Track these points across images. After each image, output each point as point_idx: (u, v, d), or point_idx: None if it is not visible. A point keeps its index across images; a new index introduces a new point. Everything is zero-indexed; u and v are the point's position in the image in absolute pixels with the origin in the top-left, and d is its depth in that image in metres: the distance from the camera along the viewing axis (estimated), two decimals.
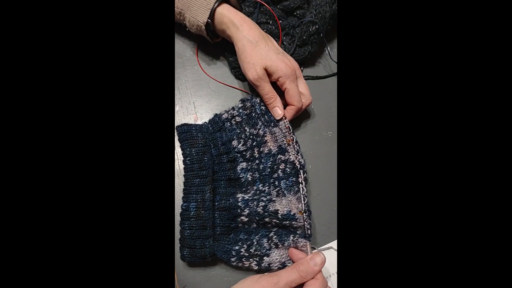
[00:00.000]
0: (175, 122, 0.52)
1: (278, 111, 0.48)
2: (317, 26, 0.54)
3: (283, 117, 0.48)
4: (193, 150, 0.46)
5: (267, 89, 0.48)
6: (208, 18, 0.48)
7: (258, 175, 0.48)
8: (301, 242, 0.43)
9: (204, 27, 0.49)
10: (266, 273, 0.41)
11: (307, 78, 0.57)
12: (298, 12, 0.54)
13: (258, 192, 0.47)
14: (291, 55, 0.54)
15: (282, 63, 0.47)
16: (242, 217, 0.45)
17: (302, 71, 0.57)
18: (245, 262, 0.43)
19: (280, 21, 0.55)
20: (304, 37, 0.54)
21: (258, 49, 0.47)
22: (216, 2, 0.48)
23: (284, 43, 0.55)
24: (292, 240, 0.43)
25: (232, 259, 0.43)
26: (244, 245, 0.43)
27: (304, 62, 0.57)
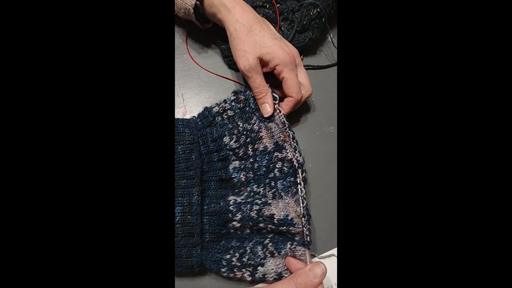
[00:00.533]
0: None
1: (267, 108, 0.43)
2: (318, 10, 0.48)
3: (278, 112, 0.44)
4: (179, 148, 0.41)
5: (258, 82, 0.43)
6: (197, 0, 0.43)
7: (252, 175, 0.43)
8: (300, 250, 0.38)
9: (192, 10, 0.44)
10: (260, 285, 0.38)
11: (307, 67, 0.52)
12: None
13: (252, 194, 0.42)
14: (290, 42, 0.49)
15: (280, 49, 0.42)
16: (234, 223, 0.40)
17: (302, 59, 0.52)
18: (237, 273, 0.39)
19: (278, 5, 0.50)
20: (304, 22, 0.49)
21: (252, 35, 0.42)
22: None
23: (282, 28, 0.50)
24: (290, 248, 0.38)
25: (223, 270, 0.39)
26: (236, 254, 0.39)
27: (304, 50, 0.52)
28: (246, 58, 0.42)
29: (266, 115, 0.44)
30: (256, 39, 0.42)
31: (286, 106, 0.44)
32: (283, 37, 0.49)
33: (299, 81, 0.44)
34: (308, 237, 0.40)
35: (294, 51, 0.45)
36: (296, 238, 0.40)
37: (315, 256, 0.42)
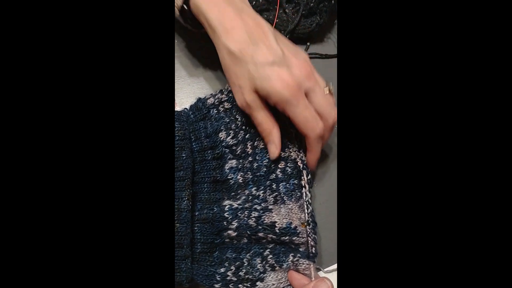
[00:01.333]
0: None
1: (273, 148, 0.36)
2: None
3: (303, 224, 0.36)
4: None
5: (259, 118, 0.35)
6: (183, 3, 0.35)
7: (251, 176, 0.38)
8: (303, 263, 0.34)
9: (178, 13, 0.37)
10: None
11: (313, 56, 0.46)
12: None
13: (250, 198, 0.37)
14: (294, 27, 0.44)
15: (278, 81, 0.32)
16: (230, 231, 0.35)
17: (308, 47, 0.47)
18: None
19: None
20: (312, 5, 0.44)
21: (244, 64, 0.33)
22: None
23: (287, 11, 0.45)
24: (292, 261, 0.34)
25: (216, 285, 0.34)
26: (232, 267, 0.34)
27: (311, 36, 0.47)
28: (240, 94, 0.35)
29: (272, 157, 0.37)
30: (249, 68, 0.33)
31: (310, 152, 0.36)
32: (288, 21, 0.43)
33: (313, 112, 0.34)
34: (314, 248, 0.35)
35: (300, 73, 0.34)
36: (300, 249, 0.36)
37: (320, 270, 0.37)
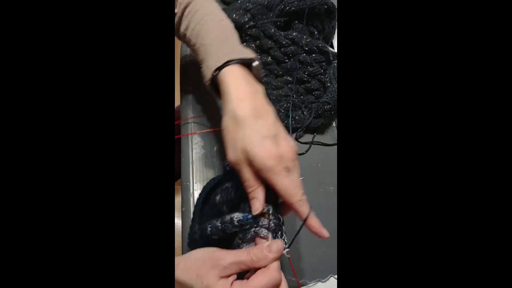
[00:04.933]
0: None
1: (257, 204, 0.37)
2: (330, 106, 0.69)
3: (266, 215, 0.38)
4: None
5: (246, 175, 0.38)
6: (213, 75, 0.43)
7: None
8: (263, 231, 0.37)
9: (210, 82, 0.44)
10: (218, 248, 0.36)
11: (317, 143, 0.68)
12: (315, 92, 0.72)
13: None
14: (308, 124, 0.67)
15: (264, 151, 0.36)
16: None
17: (314, 136, 0.69)
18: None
19: (302, 97, 0.71)
20: (319, 112, 0.69)
21: (242, 129, 0.38)
22: (217, 69, 0.42)
23: (305, 113, 0.69)
24: (254, 230, 0.37)
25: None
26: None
27: (317, 129, 0.70)
28: (233, 151, 0.38)
29: (254, 212, 0.37)
30: (245, 133, 0.38)
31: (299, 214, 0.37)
32: (304, 118, 0.67)
33: (292, 181, 0.37)
34: (272, 223, 0.38)
35: (285, 152, 0.37)
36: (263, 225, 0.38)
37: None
